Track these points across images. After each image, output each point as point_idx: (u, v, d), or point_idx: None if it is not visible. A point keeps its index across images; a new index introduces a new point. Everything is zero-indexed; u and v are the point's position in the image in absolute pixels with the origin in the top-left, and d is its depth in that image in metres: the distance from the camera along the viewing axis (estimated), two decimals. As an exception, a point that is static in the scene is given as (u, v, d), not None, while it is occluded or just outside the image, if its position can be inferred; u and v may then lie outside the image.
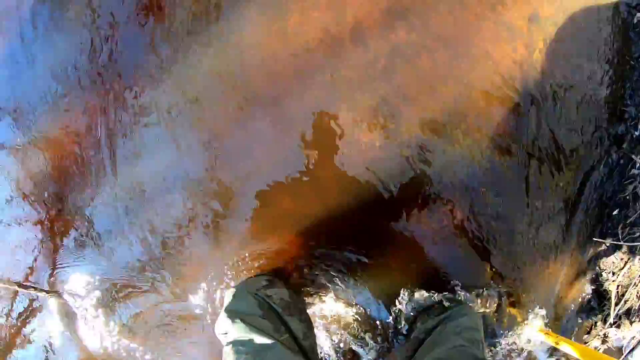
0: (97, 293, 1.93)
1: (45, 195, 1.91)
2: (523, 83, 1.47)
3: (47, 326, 2.07)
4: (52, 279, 1.99)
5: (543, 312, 1.68)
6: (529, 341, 1.73)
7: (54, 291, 2.00)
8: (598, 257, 1.71)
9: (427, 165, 1.53)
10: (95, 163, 1.80)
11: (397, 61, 1.49)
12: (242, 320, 1.26)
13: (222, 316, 1.32)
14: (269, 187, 1.64)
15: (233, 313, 1.30)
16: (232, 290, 1.44)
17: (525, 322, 1.70)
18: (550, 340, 1.58)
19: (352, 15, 1.49)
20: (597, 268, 1.72)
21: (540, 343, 1.73)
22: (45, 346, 2.09)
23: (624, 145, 1.55)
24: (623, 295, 1.71)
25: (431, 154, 1.51)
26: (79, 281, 1.96)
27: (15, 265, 2.02)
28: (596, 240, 1.61)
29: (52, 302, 2.02)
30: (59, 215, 1.92)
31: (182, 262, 1.78)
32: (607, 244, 1.65)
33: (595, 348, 1.80)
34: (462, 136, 1.50)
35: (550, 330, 1.69)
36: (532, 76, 1.46)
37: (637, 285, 1.68)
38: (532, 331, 1.70)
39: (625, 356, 1.79)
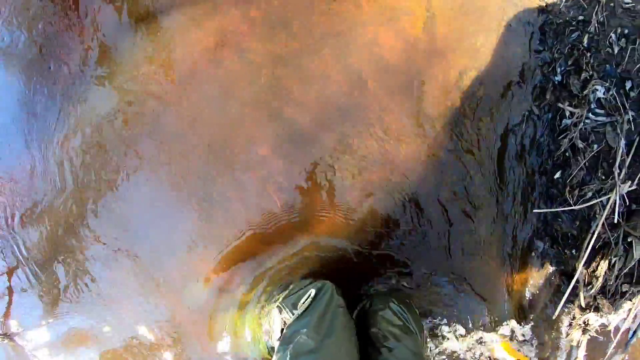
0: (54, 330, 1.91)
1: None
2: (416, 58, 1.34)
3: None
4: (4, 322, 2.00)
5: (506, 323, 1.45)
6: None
7: (5, 334, 2.00)
8: (551, 232, 1.46)
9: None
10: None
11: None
12: None
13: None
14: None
15: None
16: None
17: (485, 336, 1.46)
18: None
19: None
20: (553, 246, 1.46)
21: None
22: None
23: (547, 96, 1.35)
24: (594, 272, 1.43)
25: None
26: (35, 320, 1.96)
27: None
28: (537, 212, 1.37)
29: (6, 346, 2.02)
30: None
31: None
32: (557, 212, 1.40)
33: (579, 342, 1.50)
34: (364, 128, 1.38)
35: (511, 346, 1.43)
36: (423, 48, 1.34)
37: (606, 257, 1.40)
38: (498, 346, 1.45)
39: (630, 337, 1.46)
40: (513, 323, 1.42)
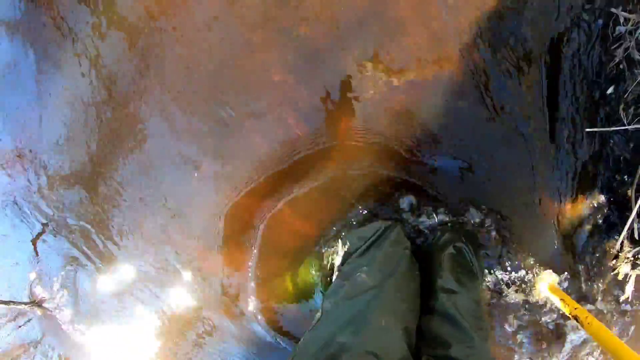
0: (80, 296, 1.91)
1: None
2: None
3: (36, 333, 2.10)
4: (31, 291, 2.01)
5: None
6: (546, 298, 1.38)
7: (34, 301, 2.02)
8: (601, 157, 1.33)
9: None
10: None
11: None
12: None
13: None
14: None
15: None
16: None
17: (535, 274, 1.36)
18: (563, 307, 1.21)
19: None
20: (606, 168, 1.33)
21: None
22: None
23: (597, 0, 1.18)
24: (648, 198, 1.30)
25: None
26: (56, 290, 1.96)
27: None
28: (589, 131, 1.24)
29: (35, 312, 2.04)
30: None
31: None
32: (609, 133, 1.26)
33: (627, 275, 1.40)
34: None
35: (561, 291, 1.31)
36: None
37: (663, 182, 1.26)
38: (544, 287, 1.35)
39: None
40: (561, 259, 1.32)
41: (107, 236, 1.71)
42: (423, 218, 1.33)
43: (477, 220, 1.35)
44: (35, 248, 1.99)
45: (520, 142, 1.27)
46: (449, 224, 1.34)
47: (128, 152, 1.53)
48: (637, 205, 1.26)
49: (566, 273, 1.37)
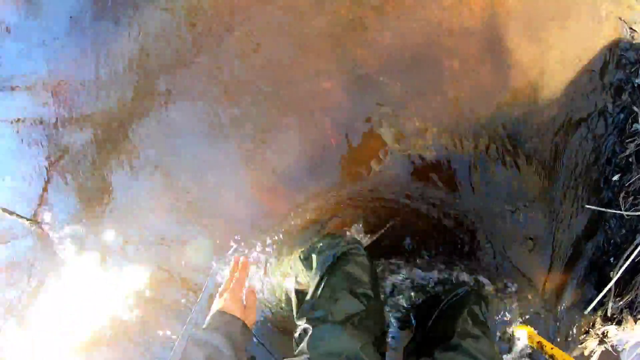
0: (77, 230, 1.98)
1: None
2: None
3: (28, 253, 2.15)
4: (37, 209, 2.08)
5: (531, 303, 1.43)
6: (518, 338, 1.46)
7: (35, 221, 2.09)
8: (597, 233, 1.44)
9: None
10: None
11: None
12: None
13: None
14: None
15: None
16: None
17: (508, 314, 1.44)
18: (530, 342, 1.30)
19: None
20: (597, 247, 1.44)
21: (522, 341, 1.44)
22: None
23: (623, 96, 1.33)
24: (627, 284, 1.40)
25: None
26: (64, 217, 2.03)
27: (8, 188, 2.14)
28: (589, 207, 1.36)
29: (33, 231, 2.10)
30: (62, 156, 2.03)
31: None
32: (606, 215, 1.38)
33: (592, 351, 1.48)
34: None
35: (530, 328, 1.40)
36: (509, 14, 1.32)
37: (644, 272, 1.37)
38: (516, 326, 1.43)
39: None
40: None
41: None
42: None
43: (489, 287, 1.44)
44: (48, 175, 2.08)
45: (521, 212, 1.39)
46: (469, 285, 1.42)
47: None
48: (610, 285, 1.37)
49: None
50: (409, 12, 1.35)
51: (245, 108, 1.48)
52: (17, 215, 2.07)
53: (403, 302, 1.44)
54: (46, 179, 2.12)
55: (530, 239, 1.42)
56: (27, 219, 2.10)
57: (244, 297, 0.96)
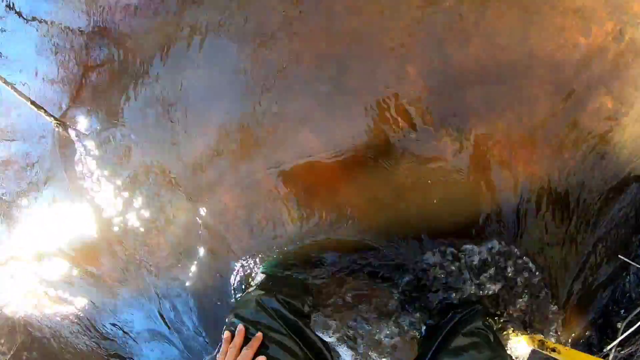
0: (105, 139, 1.90)
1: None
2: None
3: (45, 156, 2.03)
4: (67, 111, 1.98)
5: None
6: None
7: (62, 121, 1.99)
8: (612, 285, 1.56)
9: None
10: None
11: None
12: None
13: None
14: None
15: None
16: None
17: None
18: (531, 344, 1.39)
19: None
20: (609, 298, 1.55)
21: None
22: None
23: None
24: (632, 336, 1.52)
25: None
26: (92, 124, 1.95)
27: (39, 87, 2.03)
28: (621, 258, 1.47)
29: (57, 133, 2.00)
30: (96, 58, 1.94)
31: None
32: (629, 268, 1.50)
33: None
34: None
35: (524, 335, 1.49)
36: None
37: (649, 331, 1.49)
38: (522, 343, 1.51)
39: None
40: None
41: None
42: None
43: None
44: (82, 81, 1.99)
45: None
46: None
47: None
48: (619, 339, 1.48)
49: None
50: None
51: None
52: (45, 111, 1.96)
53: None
54: (78, 85, 2.04)
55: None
56: (55, 118, 2.00)
57: None
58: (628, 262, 1.43)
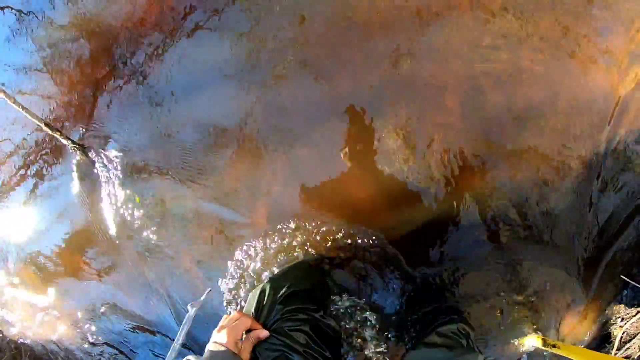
0: (125, 161, 1.85)
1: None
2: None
3: (61, 178, 1.96)
4: (86, 133, 1.89)
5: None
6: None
7: (80, 144, 1.91)
8: (614, 299, 1.77)
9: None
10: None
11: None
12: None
13: None
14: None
15: None
16: None
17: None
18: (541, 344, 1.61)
19: None
20: (609, 310, 1.77)
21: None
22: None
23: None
24: (626, 343, 1.76)
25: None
26: (111, 146, 1.88)
27: (54, 108, 1.92)
28: (623, 278, 1.67)
29: (74, 157, 1.92)
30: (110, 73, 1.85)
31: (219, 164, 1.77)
32: (628, 285, 1.71)
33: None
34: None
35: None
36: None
37: (642, 337, 1.73)
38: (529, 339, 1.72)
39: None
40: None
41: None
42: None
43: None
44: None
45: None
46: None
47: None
48: (616, 344, 1.71)
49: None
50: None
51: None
52: (61, 133, 1.88)
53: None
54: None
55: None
56: (72, 142, 1.92)
57: (242, 335, 1.08)
58: (632, 284, 1.63)
